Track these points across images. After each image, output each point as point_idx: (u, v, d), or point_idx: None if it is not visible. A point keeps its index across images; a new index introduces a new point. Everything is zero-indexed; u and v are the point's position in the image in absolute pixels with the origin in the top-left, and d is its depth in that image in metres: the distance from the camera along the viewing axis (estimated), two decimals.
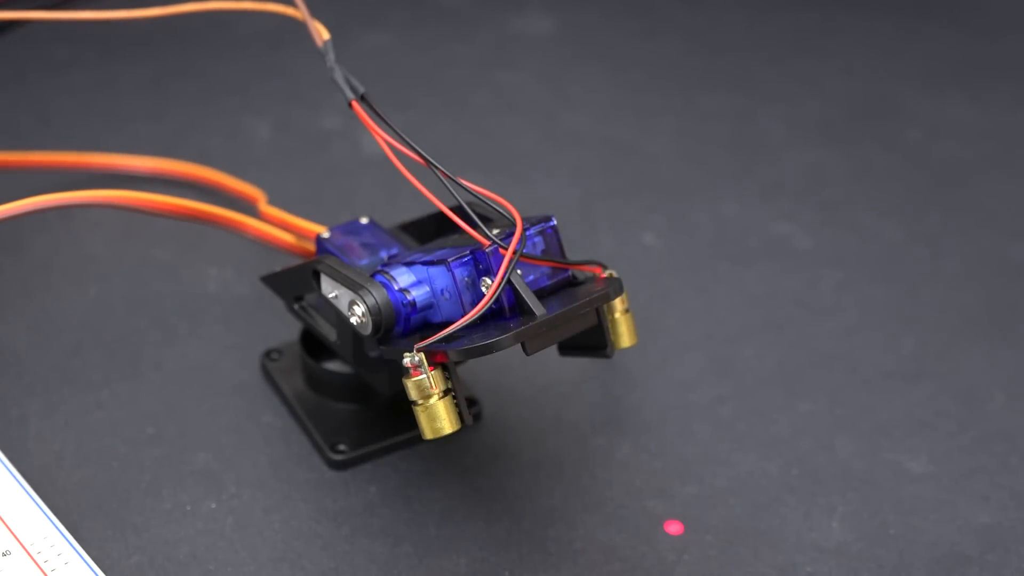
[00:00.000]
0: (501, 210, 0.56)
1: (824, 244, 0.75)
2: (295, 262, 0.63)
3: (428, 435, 0.55)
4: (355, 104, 0.57)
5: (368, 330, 0.57)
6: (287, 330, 0.67)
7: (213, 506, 0.61)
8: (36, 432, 0.63)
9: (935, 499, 0.62)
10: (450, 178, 0.56)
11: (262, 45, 0.87)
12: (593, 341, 0.59)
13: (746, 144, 0.81)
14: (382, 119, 0.56)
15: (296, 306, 0.63)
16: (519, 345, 0.55)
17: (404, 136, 0.56)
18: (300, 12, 0.62)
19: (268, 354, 0.66)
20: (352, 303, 0.57)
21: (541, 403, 0.66)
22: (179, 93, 0.83)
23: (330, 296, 0.59)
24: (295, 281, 0.62)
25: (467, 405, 0.64)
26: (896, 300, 0.72)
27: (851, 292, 0.72)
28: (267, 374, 0.66)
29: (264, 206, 0.70)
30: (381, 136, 0.56)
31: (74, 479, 0.61)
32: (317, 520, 0.60)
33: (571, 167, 0.79)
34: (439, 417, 0.55)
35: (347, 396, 0.64)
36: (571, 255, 0.73)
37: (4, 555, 0.57)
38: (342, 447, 0.62)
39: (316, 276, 0.59)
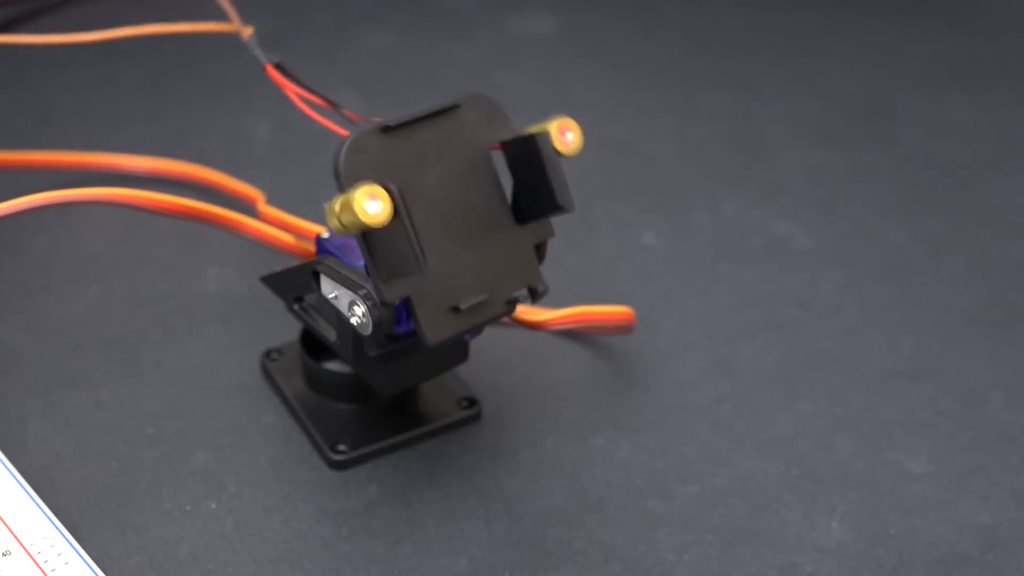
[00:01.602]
0: None
1: (824, 244, 0.75)
2: (295, 262, 0.63)
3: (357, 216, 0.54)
4: (269, 67, 0.61)
5: (368, 330, 0.57)
6: (287, 330, 0.67)
7: (213, 506, 0.61)
8: (36, 432, 0.63)
9: (935, 499, 0.62)
10: (363, 119, 0.58)
11: (262, 44, 0.87)
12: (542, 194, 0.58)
13: (746, 144, 0.81)
14: (295, 79, 0.61)
15: (296, 306, 0.63)
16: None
17: (313, 88, 0.60)
18: (232, 24, 0.66)
19: (268, 354, 0.66)
20: (352, 303, 0.57)
21: (541, 403, 0.66)
22: (179, 93, 0.83)
23: (330, 296, 0.59)
24: (295, 281, 0.62)
25: (467, 405, 0.64)
26: (896, 300, 0.72)
27: (851, 292, 0.72)
28: (267, 374, 0.66)
29: (263, 206, 0.70)
30: (293, 91, 0.59)
31: (74, 479, 0.61)
32: (317, 520, 0.60)
33: (571, 167, 0.79)
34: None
35: (347, 396, 0.64)
36: (571, 255, 0.73)
37: (4, 555, 0.57)
38: (342, 447, 0.62)
39: (316, 276, 0.59)
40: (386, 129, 0.56)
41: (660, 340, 0.69)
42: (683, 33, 0.90)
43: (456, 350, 0.62)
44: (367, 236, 0.55)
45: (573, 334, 0.68)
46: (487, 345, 0.67)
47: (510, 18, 0.90)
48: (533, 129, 0.58)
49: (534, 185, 0.58)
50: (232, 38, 0.87)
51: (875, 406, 0.66)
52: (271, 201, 0.71)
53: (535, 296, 0.59)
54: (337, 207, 0.54)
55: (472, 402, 0.64)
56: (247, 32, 0.65)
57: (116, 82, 0.83)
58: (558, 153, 0.57)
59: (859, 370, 0.68)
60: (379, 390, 0.62)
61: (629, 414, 0.65)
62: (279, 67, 0.61)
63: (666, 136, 0.82)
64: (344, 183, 0.55)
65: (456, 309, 0.56)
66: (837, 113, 0.84)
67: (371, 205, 0.54)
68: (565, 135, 0.58)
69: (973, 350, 0.69)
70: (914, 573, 0.59)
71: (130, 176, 0.75)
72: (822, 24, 0.91)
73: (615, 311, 0.66)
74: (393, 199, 0.54)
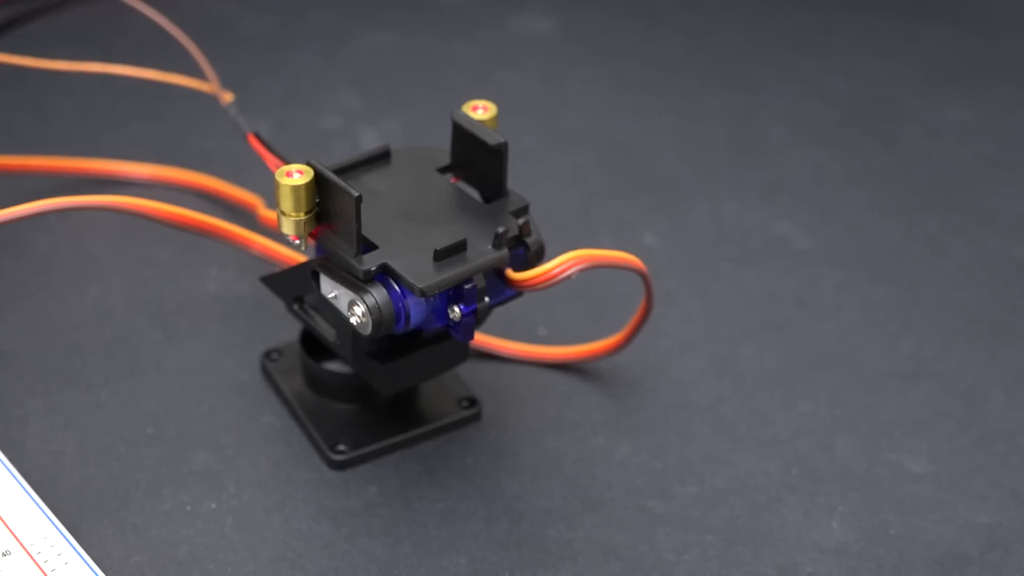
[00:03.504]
0: None
1: (824, 244, 0.75)
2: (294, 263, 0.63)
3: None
4: (251, 137, 0.63)
5: (368, 330, 0.57)
6: (287, 330, 0.67)
7: (213, 506, 0.61)
8: (36, 432, 0.63)
9: (935, 499, 0.62)
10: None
11: (262, 45, 0.87)
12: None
13: (746, 144, 0.81)
14: (272, 151, 0.63)
15: (296, 306, 0.63)
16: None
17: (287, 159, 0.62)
18: (211, 86, 0.68)
19: (268, 354, 0.66)
20: (352, 303, 0.57)
21: (541, 403, 0.66)
22: (179, 93, 0.83)
23: (330, 296, 0.59)
24: (295, 281, 0.62)
25: (467, 405, 0.64)
26: (896, 300, 0.72)
27: (851, 292, 0.72)
28: (267, 374, 0.66)
29: (262, 210, 0.70)
30: (273, 163, 0.62)
31: (74, 479, 0.61)
32: (317, 520, 0.60)
33: (571, 167, 0.79)
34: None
35: (347, 396, 0.64)
36: None
37: (4, 555, 0.57)
38: (342, 447, 0.62)
39: (316, 276, 0.59)
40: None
41: (660, 340, 0.69)
42: (683, 33, 0.90)
43: (456, 350, 0.62)
44: (320, 227, 0.58)
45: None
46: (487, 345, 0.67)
47: (510, 18, 0.90)
48: None
49: (476, 158, 0.60)
50: (233, 38, 0.87)
51: (875, 406, 0.66)
52: (271, 203, 0.71)
53: (525, 234, 0.59)
54: (277, 198, 0.57)
55: (472, 402, 0.64)
56: (227, 98, 0.67)
57: (116, 83, 0.83)
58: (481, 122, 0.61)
59: (859, 370, 0.68)
60: (379, 390, 0.62)
61: (629, 414, 0.65)
62: (258, 137, 0.64)
63: (666, 136, 0.82)
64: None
65: (438, 255, 0.57)
66: (837, 113, 0.84)
67: (293, 176, 0.57)
68: (476, 111, 0.61)
69: (973, 350, 0.69)
70: (914, 573, 0.59)
71: (128, 182, 0.75)
72: (822, 24, 0.91)
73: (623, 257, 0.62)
74: (311, 165, 0.57)
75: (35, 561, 0.57)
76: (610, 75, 0.86)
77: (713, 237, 0.75)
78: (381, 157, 0.61)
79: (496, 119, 0.61)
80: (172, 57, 0.85)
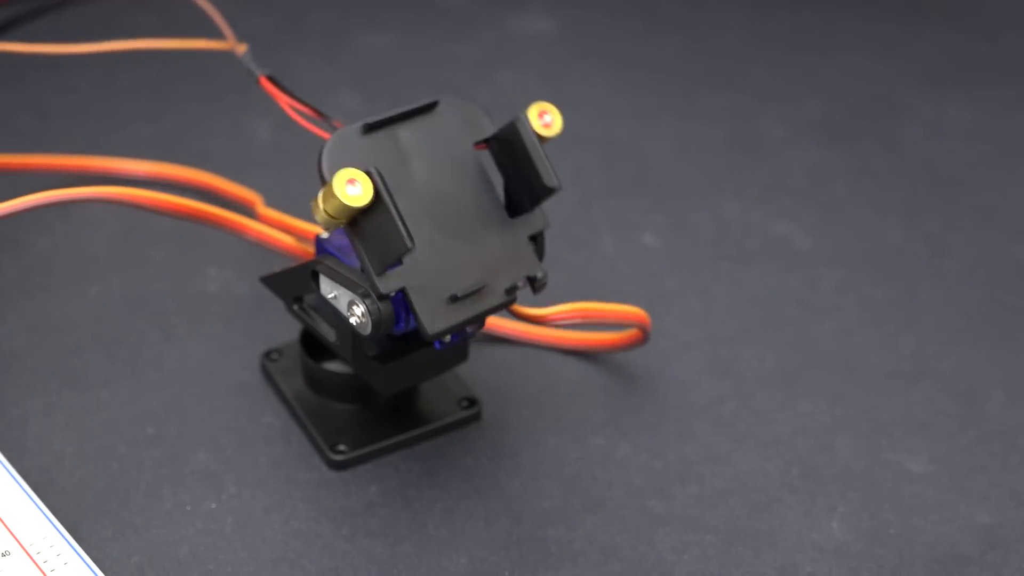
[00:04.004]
0: None
1: (824, 244, 0.75)
2: (294, 263, 0.63)
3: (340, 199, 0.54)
4: (263, 80, 0.62)
5: (367, 330, 0.57)
6: (287, 330, 0.67)
7: (213, 506, 0.61)
8: (36, 432, 0.63)
9: (935, 499, 0.62)
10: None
11: (262, 45, 0.87)
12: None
13: (746, 144, 0.81)
14: (287, 91, 0.62)
15: (296, 306, 0.63)
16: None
17: (303, 99, 0.62)
18: (227, 42, 0.67)
19: (268, 354, 0.66)
20: (351, 303, 0.57)
21: (541, 403, 0.66)
22: (179, 93, 0.83)
23: (329, 297, 0.59)
24: (294, 282, 0.62)
25: (467, 405, 0.64)
26: (896, 300, 0.72)
27: (851, 292, 0.72)
28: (267, 374, 0.66)
29: (262, 208, 0.70)
30: (286, 102, 0.61)
31: (74, 479, 0.61)
32: (317, 520, 0.60)
33: (571, 167, 0.79)
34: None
35: (347, 396, 0.64)
36: (571, 255, 0.73)
37: (3, 556, 0.57)
38: (342, 447, 0.62)
39: (315, 277, 0.59)
40: (367, 128, 0.57)
41: (660, 340, 0.69)
42: (683, 33, 0.90)
43: (456, 350, 0.62)
44: (355, 228, 0.56)
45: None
46: (487, 345, 0.67)
47: (510, 18, 0.90)
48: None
49: (521, 172, 0.58)
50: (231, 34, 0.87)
51: (875, 406, 0.66)
52: (270, 202, 0.71)
53: (535, 285, 0.59)
54: (321, 198, 0.55)
55: (472, 402, 0.64)
56: (241, 49, 0.66)
57: (116, 82, 0.83)
58: (540, 138, 0.58)
59: (859, 370, 0.68)
60: (379, 390, 0.62)
61: (629, 414, 0.65)
62: (271, 79, 0.62)
63: (666, 136, 0.82)
64: (327, 178, 0.55)
65: (454, 298, 0.57)
66: (837, 113, 0.84)
67: (352, 188, 0.54)
68: (544, 117, 0.58)
69: (973, 350, 0.69)
70: (914, 573, 0.59)
71: (129, 179, 0.75)
72: (822, 24, 0.91)
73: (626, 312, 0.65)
74: (373, 181, 0.55)
75: (35, 561, 0.57)
76: (610, 75, 0.86)
77: (713, 237, 0.75)
78: (426, 109, 0.58)
79: (559, 132, 0.58)
80: (172, 57, 0.85)
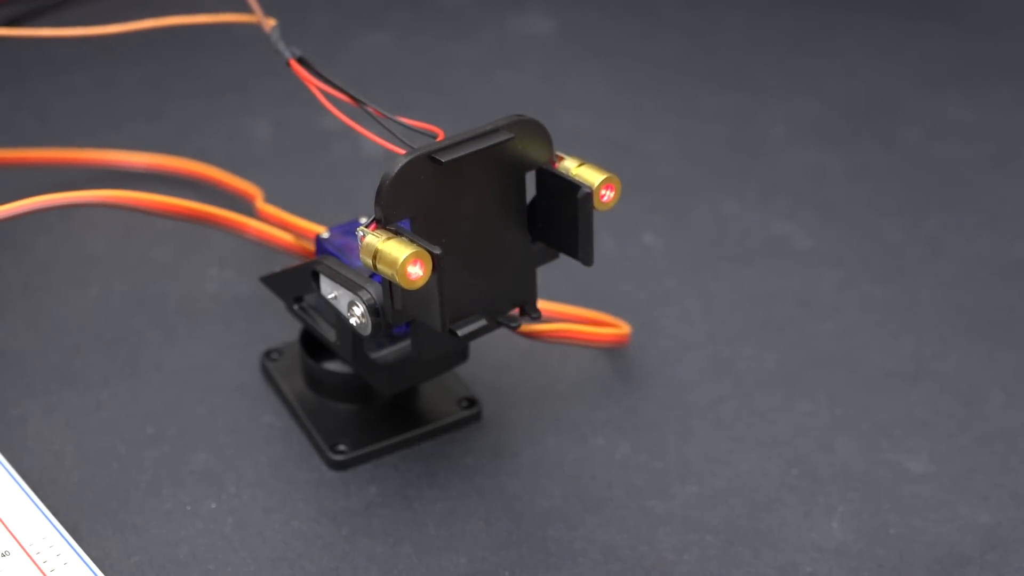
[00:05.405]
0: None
1: (824, 244, 0.75)
2: (294, 263, 0.63)
3: (400, 280, 0.53)
4: (293, 62, 0.60)
5: (368, 330, 0.57)
6: (287, 330, 0.67)
7: (213, 506, 0.61)
8: (36, 432, 0.63)
9: (935, 499, 0.62)
10: (386, 116, 0.57)
11: (262, 45, 0.87)
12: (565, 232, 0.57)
13: (746, 144, 0.81)
14: (319, 75, 0.60)
15: (296, 306, 0.63)
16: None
17: (338, 83, 0.60)
18: (254, 16, 0.65)
19: (268, 354, 0.66)
20: (351, 303, 0.57)
21: (541, 403, 0.66)
22: (179, 93, 0.83)
23: (329, 297, 0.59)
24: (295, 282, 0.62)
25: (467, 405, 0.64)
26: (896, 300, 0.72)
27: (851, 292, 0.72)
28: (267, 374, 0.66)
29: (261, 203, 0.70)
30: (316, 86, 0.59)
31: (74, 479, 0.61)
32: (317, 520, 0.60)
33: None
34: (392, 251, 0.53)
35: (347, 396, 0.64)
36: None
37: (3, 556, 0.57)
38: (342, 447, 0.62)
39: (315, 277, 0.59)
40: (435, 161, 0.55)
41: (660, 340, 0.69)
42: (683, 33, 0.90)
43: (456, 350, 0.62)
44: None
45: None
46: (487, 345, 0.67)
47: (510, 18, 0.90)
48: (578, 172, 0.57)
49: (561, 225, 0.57)
50: (232, 38, 0.87)
51: (875, 406, 0.66)
52: (270, 200, 0.71)
53: (525, 316, 0.59)
54: (377, 255, 0.53)
55: (472, 402, 0.64)
56: (269, 24, 0.64)
57: (116, 82, 0.83)
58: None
59: (859, 370, 0.68)
60: (379, 390, 0.62)
61: (629, 414, 0.65)
62: (302, 61, 0.60)
63: (666, 136, 0.82)
64: (385, 215, 0.54)
65: (453, 333, 0.57)
66: (837, 113, 0.84)
67: (413, 270, 0.53)
68: (604, 195, 0.57)
69: (973, 350, 0.69)
70: (914, 573, 0.59)
71: (128, 173, 0.75)
72: (822, 24, 0.91)
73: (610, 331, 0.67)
74: (434, 265, 0.53)
75: (34, 561, 0.57)
76: (610, 75, 0.86)
77: (713, 237, 0.75)
78: (501, 141, 0.56)
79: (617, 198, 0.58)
80: (172, 57, 0.85)
